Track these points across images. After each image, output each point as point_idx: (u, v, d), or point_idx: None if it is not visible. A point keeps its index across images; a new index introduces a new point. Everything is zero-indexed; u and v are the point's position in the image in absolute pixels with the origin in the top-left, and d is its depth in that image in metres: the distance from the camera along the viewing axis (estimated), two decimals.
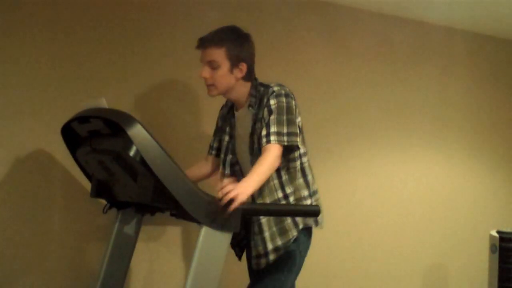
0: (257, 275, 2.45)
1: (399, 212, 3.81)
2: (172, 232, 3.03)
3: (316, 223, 2.45)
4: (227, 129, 2.55)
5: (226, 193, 2.04)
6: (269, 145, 2.26)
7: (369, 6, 3.65)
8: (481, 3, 3.50)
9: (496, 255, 3.32)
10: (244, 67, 2.39)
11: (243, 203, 2.07)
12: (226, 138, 2.54)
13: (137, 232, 2.53)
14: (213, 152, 2.69)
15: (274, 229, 2.37)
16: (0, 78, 2.66)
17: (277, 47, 3.40)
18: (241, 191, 2.07)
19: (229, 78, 2.38)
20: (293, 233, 2.38)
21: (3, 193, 2.65)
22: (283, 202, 2.37)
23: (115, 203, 2.45)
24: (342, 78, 3.64)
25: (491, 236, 3.38)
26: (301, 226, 2.40)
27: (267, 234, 2.35)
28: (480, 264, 3.77)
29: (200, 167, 2.71)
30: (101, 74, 2.87)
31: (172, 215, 2.25)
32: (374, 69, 3.75)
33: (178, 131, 3.02)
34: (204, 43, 2.37)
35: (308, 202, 2.43)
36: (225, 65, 2.36)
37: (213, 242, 2.04)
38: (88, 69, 2.84)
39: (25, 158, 2.69)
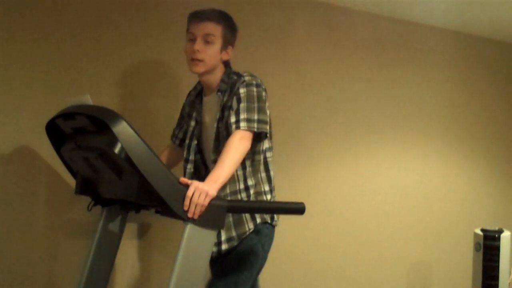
0: (220, 270, 2.41)
1: (384, 211, 3.83)
2: (157, 230, 3.02)
3: (272, 220, 2.43)
4: (194, 114, 2.53)
5: (191, 200, 2.00)
6: (237, 131, 2.25)
7: (364, 7, 3.66)
8: (476, 4, 3.52)
9: (480, 253, 3.34)
10: (230, 51, 2.43)
11: (213, 198, 2.05)
12: (192, 123, 2.52)
13: (122, 229, 2.52)
14: (177, 142, 2.70)
15: (230, 219, 2.35)
16: None
17: (271, 43, 3.41)
18: (209, 186, 2.04)
19: (217, 57, 2.40)
20: (250, 226, 2.36)
21: None
22: (243, 194, 2.35)
23: (99, 200, 2.43)
24: (336, 76, 3.66)
25: (476, 234, 3.41)
26: (258, 221, 2.38)
27: None
28: (464, 262, 3.79)
29: (170, 156, 2.71)
30: (86, 71, 2.86)
31: (157, 212, 2.25)
32: (368, 69, 3.77)
33: (162, 129, 3.01)
34: (204, 15, 2.37)
35: (268, 197, 2.43)
36: (218, 43, 2.38)
37: (198, 239, 2.03)
38: (74, 66, 2.83)
39: (9, 155, 2.68)
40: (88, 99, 2.15)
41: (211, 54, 2.37)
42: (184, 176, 2.46)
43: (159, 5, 3.05)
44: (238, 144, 2.21)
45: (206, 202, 2.02)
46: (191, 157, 2.49)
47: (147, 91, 3.03)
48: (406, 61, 3.95)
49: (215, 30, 2.36)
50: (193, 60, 2.37)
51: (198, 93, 2.56)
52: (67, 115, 2.16)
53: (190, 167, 2.48)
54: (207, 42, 2.36)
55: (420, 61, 4.01)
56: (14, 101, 2.69)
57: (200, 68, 2.38)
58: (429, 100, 4.05)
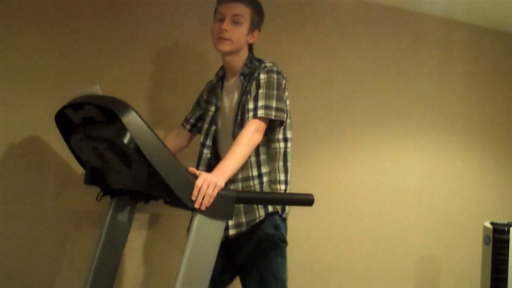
0: (245, 259, 2.41)
1: (392, 205, 3.81)
2: (166, 220, 3.03)
3: (283, 211, 2.42)
4: (214, 100, 2.53)
5: (200, 191, 2.00)
6: (252, 120, 2.24)
7: None
8: None
9: (490, 246, 3.32)
10: (256, 34, 2.47)
11: (221, 188, 2.04)
12: (212, 108, 2.52)
13: (130, 219, 2.52)
14: (188, 127, 2.70)
15: (241, 205, 2.35)
16: None
17: (278, 34, 3.39)
18: (218, 177, 2.04)
19: (244, 39, 2.43)
20: (260, 213, 2.35)
21: None
22: (256, 181, 2.35)
23: (108, 191, 2.44)
24: (337, 70, 3.63)
25: (485, 228, 3.39)
26: (270, 209, 2.37)
27: None
28: (473, 256, 3.77)
29: (174, 141, 2.70)
30: (96, 64, 2.87)
31: (166, 202, 2.25)
32: (370, 61, 3.74)
33: (172, 123, 3.01)
34: None
35: (283, 187, 2.41)
36: (246, 24, 2.41)
37: (207, 230, 2.03)
38: (83, 58, 2.83)
39: (19, 145, 2.68)
40: (98, 89, 2.15)
41: (239, 35, 2.40)
42: (199, 160, 2.47)
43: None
44: (251, 137, 2.21)
45: (215, 193, 2.02)
46: (208, 142, 2.49)
47: (157, 84, 3.03)
48: (413, 54, 3.92)
49: (244, 11, 2.40)
50: (220, 39, 2.40)
51: (220, 79, 2.56)
52: (76, 105, 2.15)
53: (207, 152, 2.48)
54: (235, 22, 2.39)
55: (428, 55, 3.98)
56: (23, 92, 2.70)
57: (227, 47, 2.40)
58: (439, 95, 4.02)
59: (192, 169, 2.05)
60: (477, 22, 4.11)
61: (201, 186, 1.99)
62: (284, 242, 2.40)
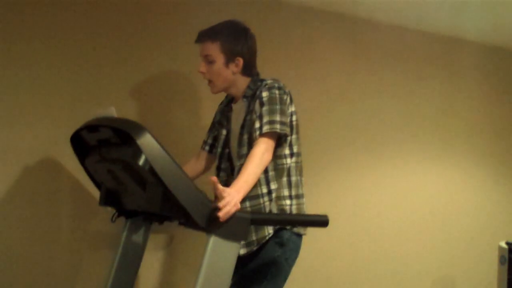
0: (240, 278, 2.40)
1: (406, 222, 3.79)
2: (181, 241, 3.03)
3: (293, 227, 2.40)
4: (225, 123, 2.55)
5: (220, 208, 1.99)
6: (260, 139, 2.25)
7: (385, 17, 3.66)
8: (489, 13, 3.49)
9: (505, 266, 3.29)
10: (240, 61, 2.40)
11: (238, 209, 2.05)
12: (224, 132, 2.53)
13: (145, 240, 2.52)
14: (207, 148, 2.70)
15: None
16: (11, 85, 2.68)
17: (293, 52, 3.42)
18: (232, 198, 2.03)
19: (226, 73, 2.40)
20: (269, 231, 2.34)
21: (12, 199, 2.66)
22: (266, 198, 2.33)
23: (123, 212, 2.45)
24: (355, 87, 3.66)
25: (500, 248, 3.36)
26: (278, 226, 2.37)
27: None
28: (489, 276, 3.74)
29: (194, 165, 2.71)
30: (109, 82, 2.89)
31: (180, 224, 2.25)
32: (387, 79, 3.76)
33: (183, 140, 3.03)
34: (200, 37, 2.39)
35: (288, 202, 2.39)
36: (220, 59, 2.37)
37: (222, 252, 2.03)
38: (97, 75, 2.86)
39: (34, 166, 2.70)
40: (113, 111, 2.17)
41: (216, 73, 2.39)
42: None
43: (180, 15, 3.07)
44: (262, 157, 2.21)
45: (232, 211, 2.02)
46: (224, 165, 2.51)
47: (168, 102, 3.05)
48: (432, 75, 3.93)
49: (212, 49, 2.37)
50: (208, 83, 2.44)
51: (230, 101, 2.58)
52: (92, 127, 2.17)
53: (223, 175, 2.49)
54: (209, 62, 2.39)
55: (446, 75, 3.99)
56: (38, 113, 2.73)
57: (213, 89, 2.45)
58: (453, 113, 4.02)
59: (214, 178, 2.03)
60: (487, 41, 4.11)
61: (228, 201, 2.00)
62: (287, 262, 2.37)
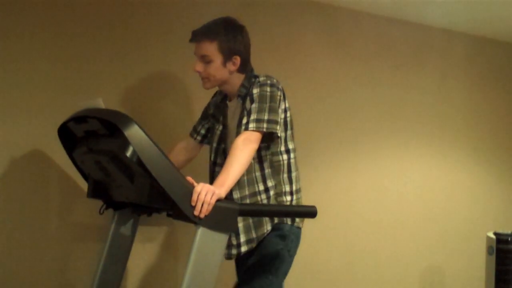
0: (244, 274, 2.42)
1: (395, 214, 3.81)
2: (169, 233, 3.03)
3: (293, 221, 2.40)
4: (221, 118, 2.53)
5: (198, 197, 1.97)
6: (243, 133, 2.22)
7: (369, 8, 3.65)
8: (481, 4, 3.50)
9: (493, 256, 3.32)
10: (237, 60, 2.37)
11: (220, 199, 2.03)
12: (220, 127, 2.52)
13: (133, 232, 2.52)
14: (198, 138, 2.69)
15: (250, 221, 2.34)
16: None
17: (277, 46, 3.41)
18: (204, 186, 2.00)
19: (223, 72, 2.37)
20: (268, 227, 2.35)
21: None
22: (263, 195, 2.35)
23: (111, 204, 2.44)
24: (341, 79, 3.65)
25: (488, 238, 3.38)
26: (276, 220, 2.37)
27: (241, 225, 2.34)
28: (477, 266, 3.76)
29: (184, 154, 2.69)
30: (99, 76, 2.87)
31: (168, 215, 2.24)
32: (373, 70, 3.76)
33: (172, 130, 3.02)
34: (196, 36, 2.35)
35: (289, 198, 2.41)
36: (218, 58, 2.34)
37: (210, 243, 2.02)
38: (84, 69, 2.84)
39: (21, 158, 2.69)
40: (100, 103, 2.16)
41: (213, 73, 2.36)
42: (212, 179, 2.47)
43: (173, 10, 3.06)
44: (243, 147, 2.17)
45: (213, 201, 1.99)
46: (219, 160, 2.49)
47: (158, 95, 3.04)
48: (416, 64, 3.94)
49: (209, 49, 2.33)
50: (201, 78, 2.40)
51: (223, 98, 2.56)
52: (79, 118, 2.16)
53: (218, 170, 2.46)
54: (205, 62, 2.35)
55: (430, 65, 4.00)
56: (26, 105, 2.71)
57: (207, 85, 2.41)
58: (441, 104, 4.03)
59: (189, 178, 2.04)
60: (479, 32, 4.13)
61: (200, 192, 1.97)
62: (290, 254, 2.39)
